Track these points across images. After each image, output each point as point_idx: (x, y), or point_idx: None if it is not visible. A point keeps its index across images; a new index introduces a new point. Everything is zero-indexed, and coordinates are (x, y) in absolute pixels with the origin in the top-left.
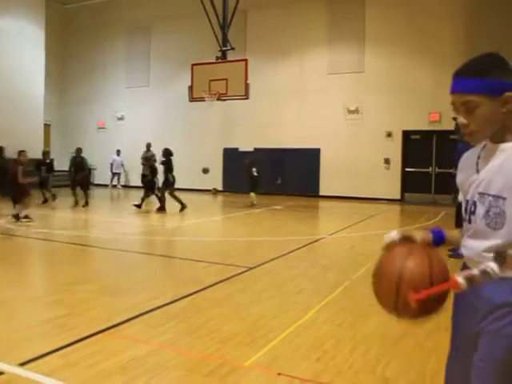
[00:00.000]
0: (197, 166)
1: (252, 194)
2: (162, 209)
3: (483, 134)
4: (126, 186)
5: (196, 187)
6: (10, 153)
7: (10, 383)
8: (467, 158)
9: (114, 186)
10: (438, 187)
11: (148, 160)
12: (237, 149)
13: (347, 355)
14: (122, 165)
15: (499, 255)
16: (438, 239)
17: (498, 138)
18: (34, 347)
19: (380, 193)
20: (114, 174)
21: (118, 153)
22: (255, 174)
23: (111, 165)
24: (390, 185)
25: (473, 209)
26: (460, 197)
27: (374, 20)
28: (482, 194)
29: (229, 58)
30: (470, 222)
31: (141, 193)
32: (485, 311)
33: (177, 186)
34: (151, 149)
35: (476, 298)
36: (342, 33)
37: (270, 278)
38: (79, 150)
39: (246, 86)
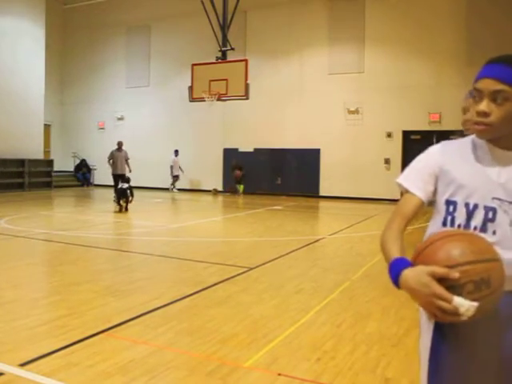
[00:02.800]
0: (197, 166)
1: (237, 186)
2: None
3: (499, 130)
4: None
5: (196, 187)
6: (11, 154)
7: None
8: (461, 158)
9: (175, 190)
10: None
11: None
12: (237, 149)
13: (347, 356)
14: (180, 167)
15: None
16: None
17: (506, 144)
18: (34, 348)
19: (380, 193)
20: (174, 177)
21: (177, 153)
22: (237, 172)
23: (171, 167)
24: (390, 185)
25: (491, 216)
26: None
27: (374, 20)
28: (503, 201)
29: (229, 58)
30: (484, 230)
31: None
32: None
33: (176, 186)
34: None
35: None
36: (342, 33)
37: (270, 279)
38: None
39: (246, 86)
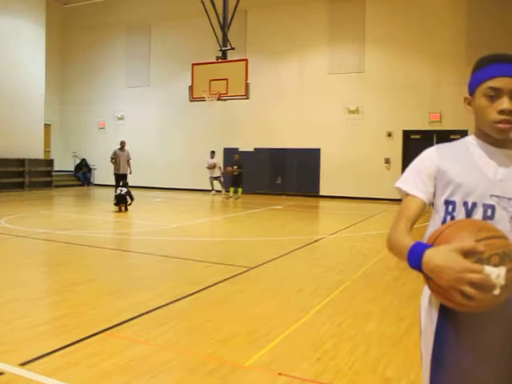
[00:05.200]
0: (197, 165)
1: (231, 189)
2: None
3: None
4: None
5: (196, 187)
6: (11, 153)
7: (10, 383)
8: (457, 158)
9: (218, 192)
10: None
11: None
12: (237, 149)
13: (347, 355)
14: (220, 167)
15: None
16: None
17: (500, 141)
18: (34, 347)
19: (380, 193)
20: (213, 179)
21: (213, 154)
22: (235, 173)
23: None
24: (391, 185)
25: (490, 213)
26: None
27: (374, 20)
28: (501, 198)
29: (229, 58)
30: None
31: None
32: None
33: (176, 186)
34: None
35: None
36: (343, 33)
37: (270, 278)
38: None
39: (247, 85)
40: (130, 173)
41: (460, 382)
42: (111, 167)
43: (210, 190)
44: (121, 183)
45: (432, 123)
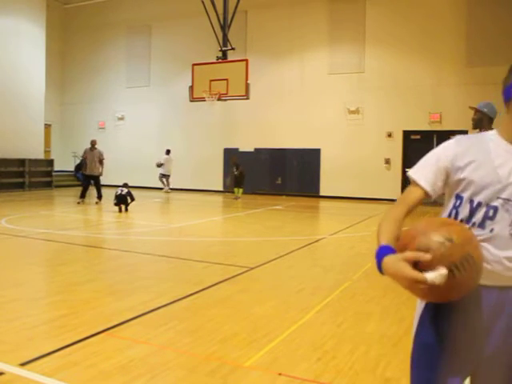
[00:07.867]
0: (197, 165)
1: (235, 189)
2: None
3: None
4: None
5: (196, 187)
6: (11, 153)
7: (10, 383)
8: (474, 154)
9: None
10: None
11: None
12: (237, 149)
13: (348, 355)
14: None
15: None
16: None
17: None
18: (34, 347)
19: (380, 193)
20: (163, 176)
21: (168, 152)
22: (236, 172)
23: (161, 165)
24: (391, 185)
25: (491, 214)
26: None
27: (374, 20)
28: (506, 201)
29: (229, 58)
30: (482, 227)
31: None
32: None
33: (176, 186)
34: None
35: None
36: (343, 33)
37: (271, 278)
38: None
39: (247, 86)
40: (101, 174)
41: (438, 360)
42: (111, 167)
43: (161, 188)
44: (93, 182)
45: (432, 123)
